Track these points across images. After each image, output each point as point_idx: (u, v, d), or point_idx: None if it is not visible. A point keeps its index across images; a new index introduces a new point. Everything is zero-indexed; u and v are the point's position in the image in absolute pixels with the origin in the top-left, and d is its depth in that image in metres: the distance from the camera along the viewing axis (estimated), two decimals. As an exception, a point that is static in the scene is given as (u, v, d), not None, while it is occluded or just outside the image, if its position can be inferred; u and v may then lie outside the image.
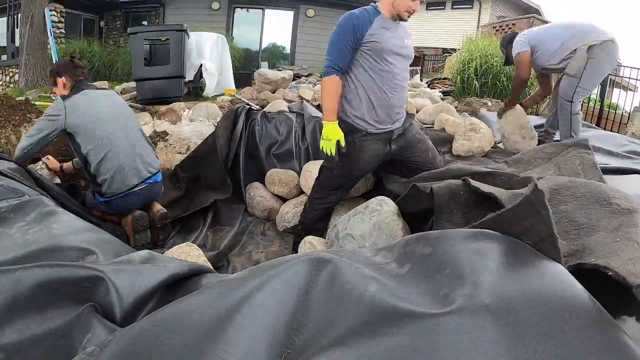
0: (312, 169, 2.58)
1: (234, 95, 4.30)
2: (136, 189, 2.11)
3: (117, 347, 0.68)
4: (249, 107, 3.20)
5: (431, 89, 5.19)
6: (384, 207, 1.63)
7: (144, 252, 1.11)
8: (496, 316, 0.64)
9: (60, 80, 2.10)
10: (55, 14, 7.87)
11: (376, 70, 1.82)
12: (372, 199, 1.70)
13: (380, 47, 1.78)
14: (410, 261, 0.85)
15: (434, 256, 0.82)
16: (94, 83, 2.42)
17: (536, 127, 3.14)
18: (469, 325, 0.64)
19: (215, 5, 8.69)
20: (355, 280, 0.76)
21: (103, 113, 2.03)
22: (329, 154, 1.80)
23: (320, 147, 1.85)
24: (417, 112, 3.41)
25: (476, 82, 4.67)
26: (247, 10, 9.09)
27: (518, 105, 2.87)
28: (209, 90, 4.38)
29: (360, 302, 0.71)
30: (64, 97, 1.99)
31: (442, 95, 4.82)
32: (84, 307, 0.81)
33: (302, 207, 2.70)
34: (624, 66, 5.79)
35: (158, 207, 2.28)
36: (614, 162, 2.28)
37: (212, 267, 1.35)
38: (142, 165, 2.14)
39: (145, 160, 2.17)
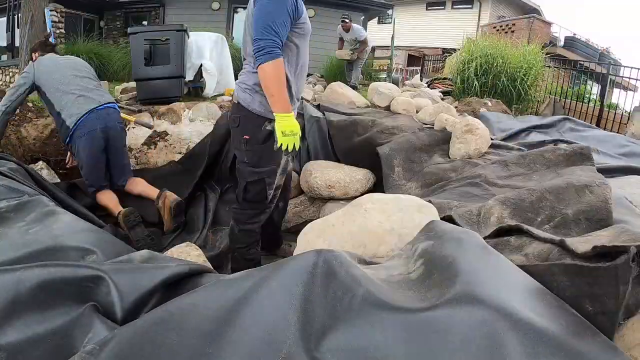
0: (312, 169, 2.58)
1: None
2: (93, 110, 2.31)
3: (116, 345, 0.69)
4: None
5: (431, 89, 5.19)
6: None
7: (144, 252, 1.11)
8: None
9: (35, 55, 2.58)
10: (56, 14, 7.86)
11: (301, 52, 1.69)
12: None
13: (308, 29, 1.69)
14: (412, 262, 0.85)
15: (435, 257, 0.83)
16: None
17: (537, 127, 3.14)
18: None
19: (215, 5, 8.69)
20: (348, 283, 0.77)
21: (62, 64, 2.44)
22: (290, 149, 1.59)
23: (279, 145, 1.59)
24: (417, 112, 3.41)
25: (476, 82, 4.67)
26: (247, 10, 9.08)
27: None
28: (209, 90, 4.38)
29: (351, 305, 0.73)
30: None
31: (442, 96, 4.82)
32: (85, 307, 0.81)
33: (301, 207, 2.71)
34: (624, 66, 5.80)
35: (173, 196, 2.39)
36: (613, 163, 2.27)
37: (212, 267, 1.35)
38: (96, 96, 2.39)
39: (99, 93, 2.44)
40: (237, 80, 1.79)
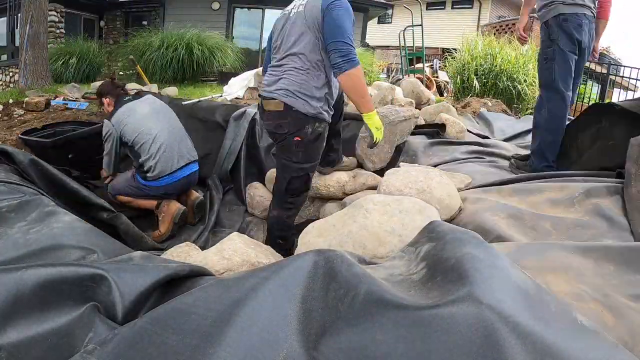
0: (312, 169, 2.58)
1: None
2: (179, 170, 2.40)
3: (117, 345, 0.69)
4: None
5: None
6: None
7: (142, 253, 1.12)
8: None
9: (105, 100, 2.54)
10: (56, 13, 7.87)
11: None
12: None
13: None
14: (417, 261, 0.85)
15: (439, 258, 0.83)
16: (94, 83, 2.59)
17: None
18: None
19: (215, 5, 8.69)
20: (349, 282, 0.77)
21: (145, 114, 2.41)
22: (381, 140, 1.84)
23: (375, 140, 1.79)
24: (419, 110, 3.42)
25: (476, 82, 4.67)
26: (247, 10, 9.09)
27: None
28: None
29: (353, 304, 0.73)
30: (109, 116, 2.42)
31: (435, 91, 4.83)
32: (86, 307, 0.81)
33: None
34: (624, 66, 5.81)
35: (196, 195, 2.60)
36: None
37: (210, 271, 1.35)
38: (185, 150, 2.47)
39: (188, 147, 2.51)
40: (273, 88, 1.82)
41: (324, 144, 1.95)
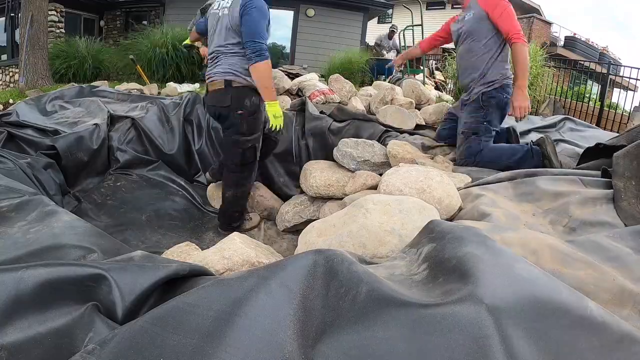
0: (312, 168, 2.58)
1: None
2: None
3: (117, 345, 0.69)
4: None
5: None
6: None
7: (142, 252, 1.12)
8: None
9: None
10: (56, 13, 7.87)
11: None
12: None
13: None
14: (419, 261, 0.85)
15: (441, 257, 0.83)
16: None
17: (538, 127, 3.13)
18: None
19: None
20: (350, 280, 0.77)
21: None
22: (280, 127, 2.14)
23: (272, 126, 2.10)
24: (419, 110, 3.41)
25: (476, 82, 4.66)
26: (247, 10, 9.08)
27: None
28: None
29: (354, 302, 0.73)
30: None
31: (438, 94, 4.82)
32: (86, 307, 0.81)
33: (301, 206, 2.71)
34: (624, 66, 5.80)
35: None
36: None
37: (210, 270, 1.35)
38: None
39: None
40: (220, 70, 2.18)
41: (263, 118, 2.27)
